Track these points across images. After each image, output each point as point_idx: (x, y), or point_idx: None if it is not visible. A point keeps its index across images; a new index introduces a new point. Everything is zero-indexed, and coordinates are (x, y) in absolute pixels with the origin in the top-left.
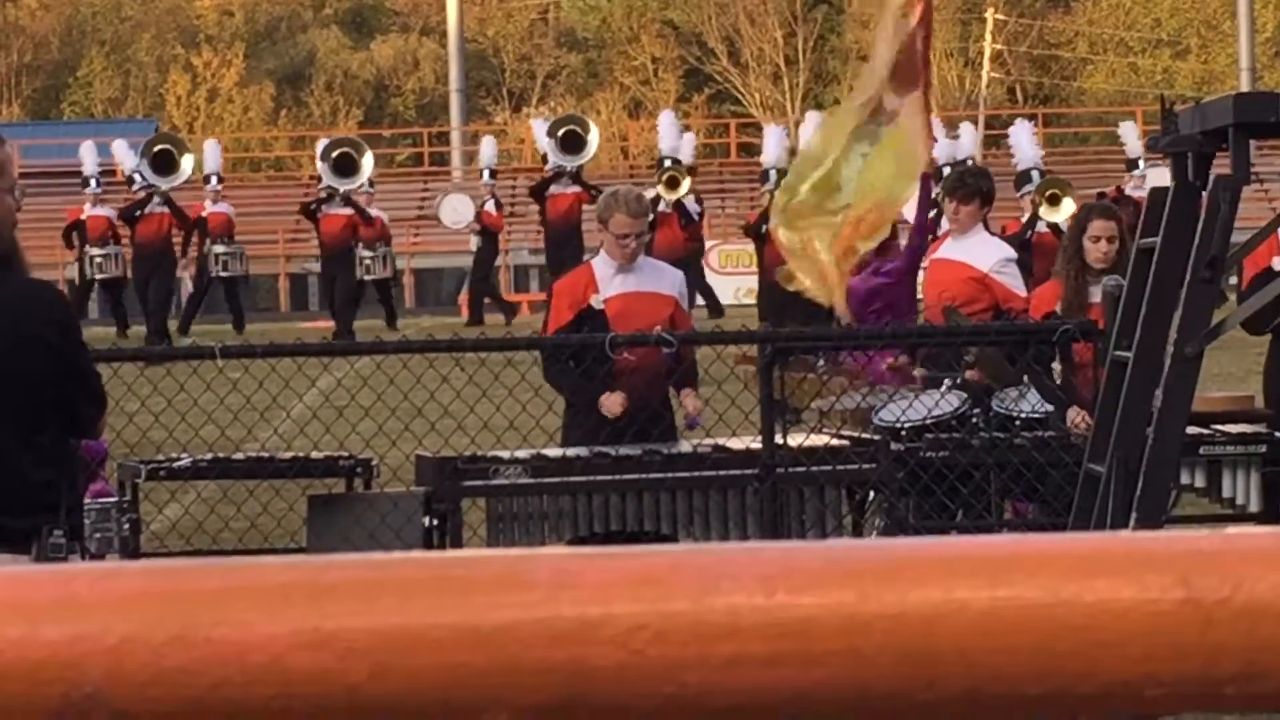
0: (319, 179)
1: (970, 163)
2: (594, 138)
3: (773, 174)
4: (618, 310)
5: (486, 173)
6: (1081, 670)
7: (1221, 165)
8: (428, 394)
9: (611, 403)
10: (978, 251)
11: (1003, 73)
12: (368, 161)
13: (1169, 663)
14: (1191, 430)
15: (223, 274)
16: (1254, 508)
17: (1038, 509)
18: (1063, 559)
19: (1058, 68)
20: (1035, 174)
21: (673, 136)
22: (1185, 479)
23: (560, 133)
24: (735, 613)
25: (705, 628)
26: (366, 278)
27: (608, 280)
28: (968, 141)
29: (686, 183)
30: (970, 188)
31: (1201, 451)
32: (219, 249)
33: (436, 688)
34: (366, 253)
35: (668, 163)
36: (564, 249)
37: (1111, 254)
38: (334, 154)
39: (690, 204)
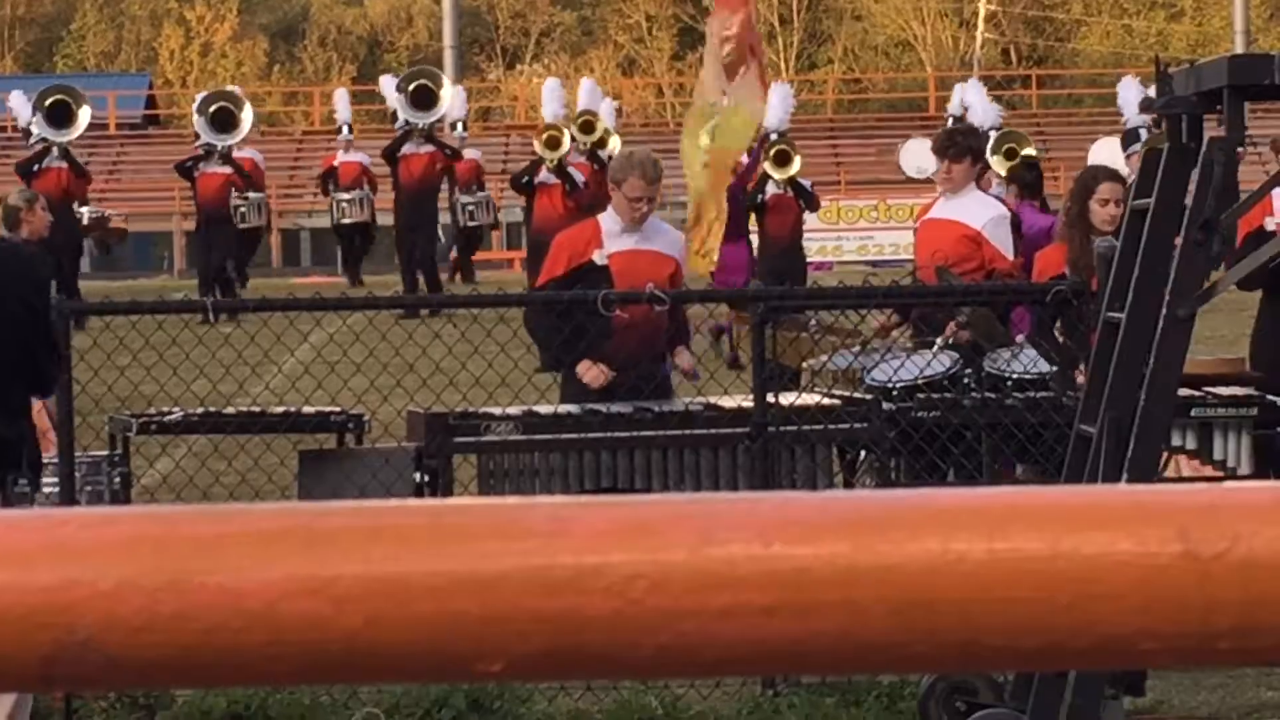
0: (197, 136)
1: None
2: (447, 93)
3: (774, 138)
4: (621, 267)
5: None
6: (1078, 623)
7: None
8: (420, 349)
9: (592, 375)
10: (972, 210)
11: (997, 34)
12: (247, 115)
13: (1165, 616)
14: (1183, 392)
15: (344, 220)
16: (1245, 470)
17: (1029, 470)
18: (1060, 511)
19: (1052, 29)
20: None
21: (554, 102)
22: (1176, 441)
23: (411, 88)
24: (732, 563)
25: (701, 578)
26: (470, 223)
27: (613, 237)
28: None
29: (567, 140)
30: (961, 146)
31: (1193, 414)
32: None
33: (431, 635)
34: (466, 198)
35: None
36: (416, 213)
37: (1120, 217)
38: (211, 108)
39: (574, 171)
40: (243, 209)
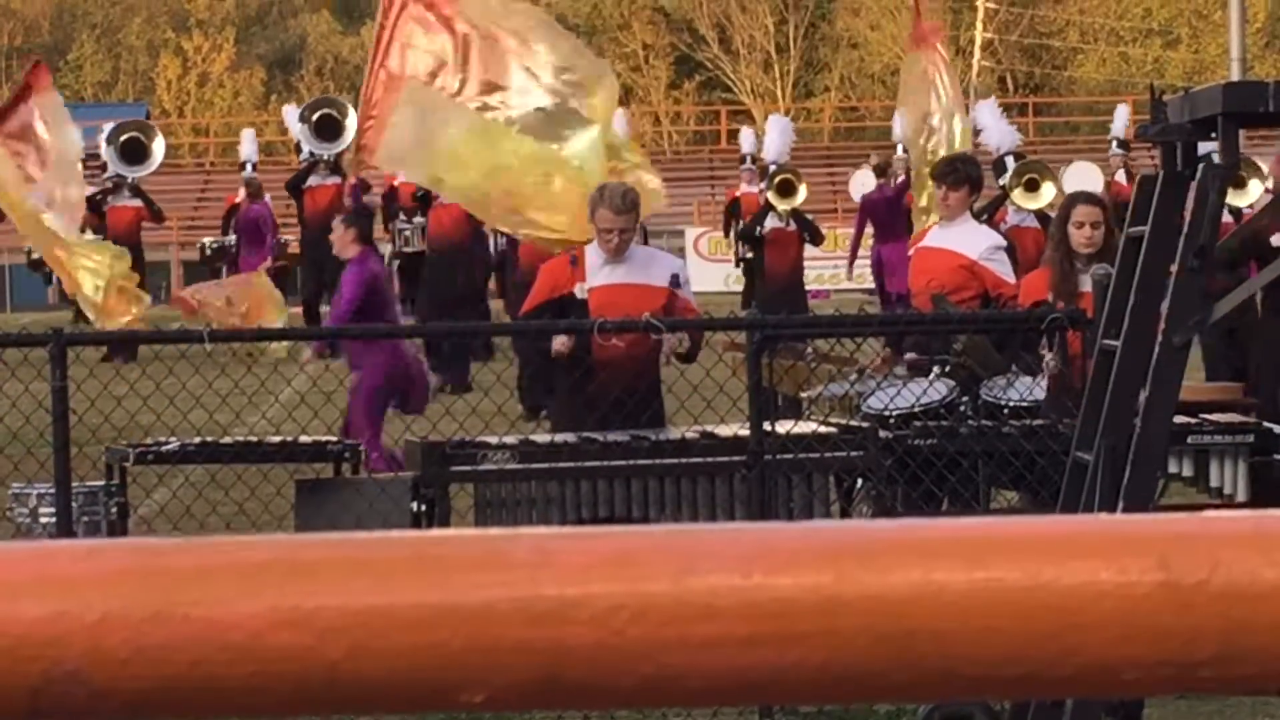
0: (104, 167)
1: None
2: (352, 122)
3: (772, 168)
4: (600, 301)
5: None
6: (1059, 652)
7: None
8: None
9: (559, 342)
10: (966, 239)
11: (994, 62)
12: (159, 147)
13: (1146, 645)
14: (1179, 419)
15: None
16: (1241, 497)
17: (1025, 497)
18: (1041, 541)
19: (1048, 57)
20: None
21: None
22: (1173, 468)
23: (315, 117)
24: (714, 593)
25: (684, 608)
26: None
27: (596, 269)
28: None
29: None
30: (960, 174)
31: (1189, 441)
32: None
33: (415, 666)
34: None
35: None
36: (322, 247)
37: (1096, 239)
38: (121, 138)
39: None
40: (406, 232)
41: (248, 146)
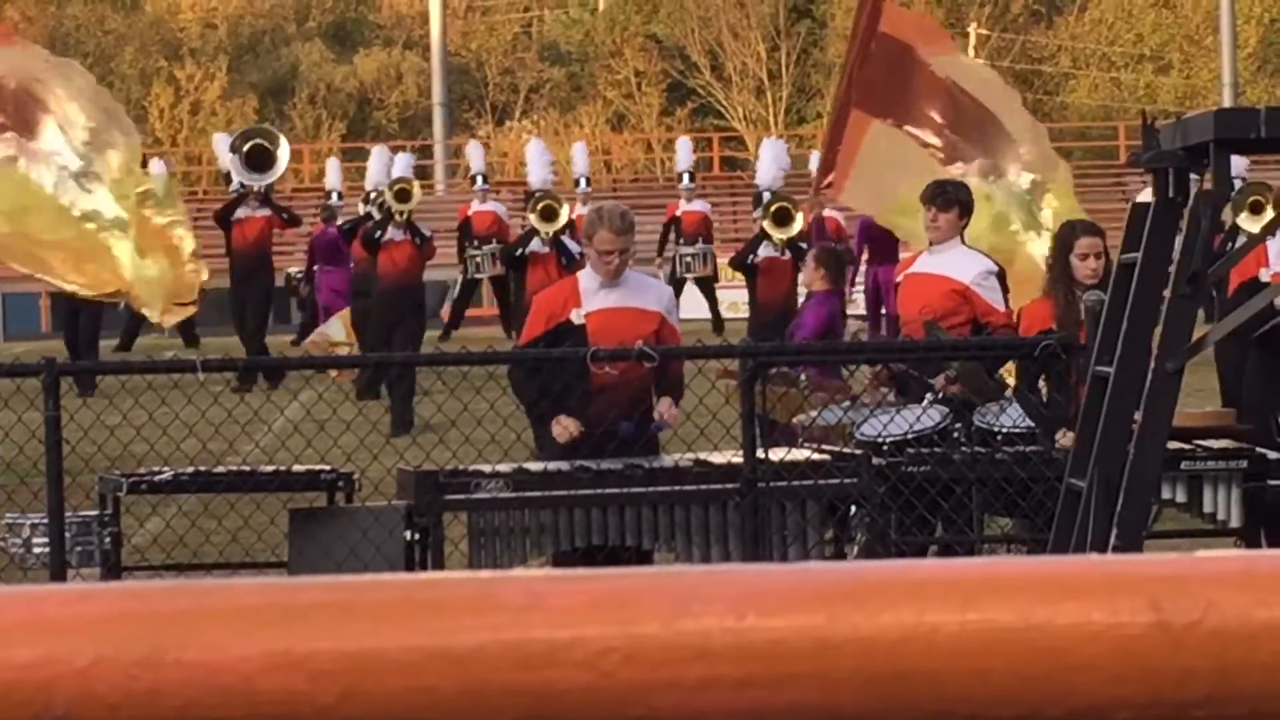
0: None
1: None
2: (284, 153)
3: (766, 197)
4: (598, 325)
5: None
6: (1052, 693)
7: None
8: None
9: (559, 429)
10: (958, 264)
11: None
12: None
13: (1139, 686)
14: (1172, 446)
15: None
16: (1234, 523)
17: (1019, 524)
18: (1033, 582)
19: (1040, 82)
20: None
21: (541, 167)
22: (1166, 494)
23: (246, 148)
24: (706, 635)
25: (675, 650)
26: (477, 275)
27: (591, 294)
28: None
29: (565, 212)
30: (950, 196)
31: (1183, 467)
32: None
33: (406, 710)
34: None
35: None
36: (249, 282)
37: (1100, 269)
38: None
39: (570, 243)
40: (478, 258)
41: (333, 176)
